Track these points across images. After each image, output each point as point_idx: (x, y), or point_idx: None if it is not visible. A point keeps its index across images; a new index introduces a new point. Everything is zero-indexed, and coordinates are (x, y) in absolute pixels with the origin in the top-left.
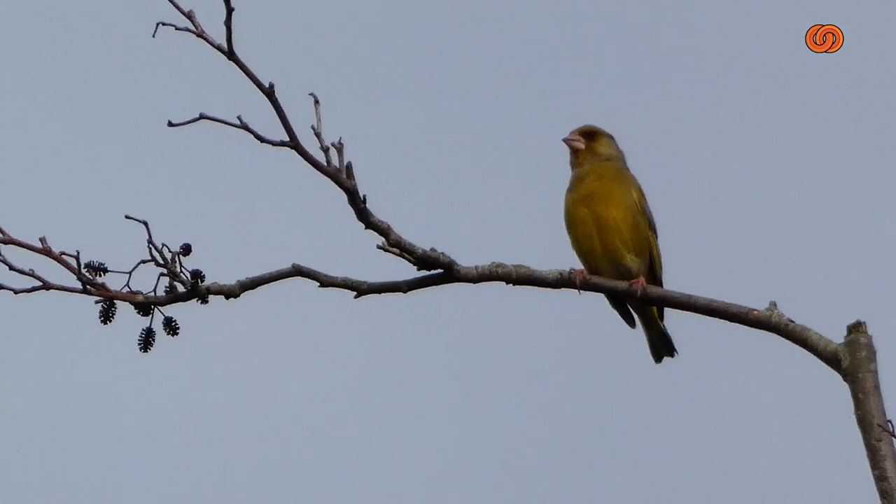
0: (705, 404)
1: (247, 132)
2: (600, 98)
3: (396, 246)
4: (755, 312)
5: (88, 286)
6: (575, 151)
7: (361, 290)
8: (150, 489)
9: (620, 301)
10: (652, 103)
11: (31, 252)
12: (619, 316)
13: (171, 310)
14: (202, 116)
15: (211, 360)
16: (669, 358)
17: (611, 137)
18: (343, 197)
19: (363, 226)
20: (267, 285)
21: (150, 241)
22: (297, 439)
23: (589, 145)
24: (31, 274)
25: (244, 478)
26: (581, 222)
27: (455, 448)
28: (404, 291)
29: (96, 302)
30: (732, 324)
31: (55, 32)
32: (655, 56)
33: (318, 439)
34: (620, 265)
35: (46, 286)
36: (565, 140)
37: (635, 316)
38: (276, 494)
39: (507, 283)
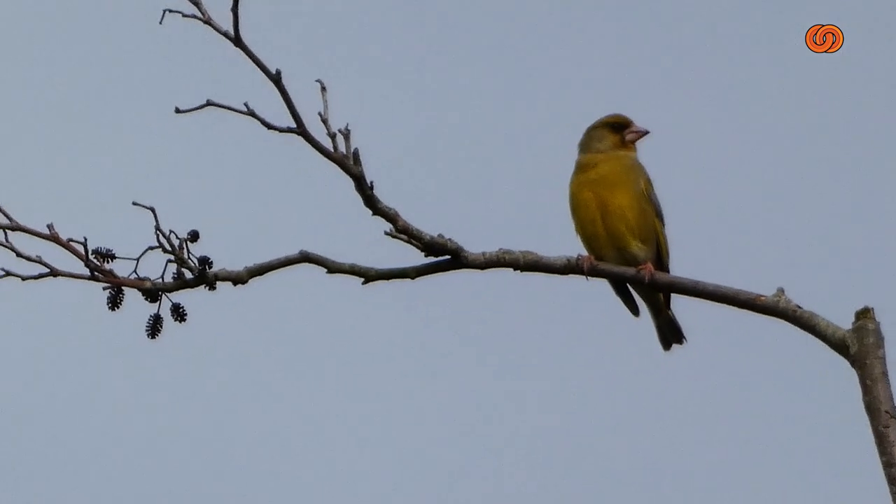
0: (714, 391)
1: (254, 119)
2: (602, 90)
3: (404, 232)
4: (763, 298)
5: (96, 273)
6: (636, 141)
7: (369, 276)
8: (155, 477)
9: (624, 289)
10: (651, 101)
11: (39, 238)
12: (622, 304)
13: (179, 296)
14: (209, 103)
15: (219, 346)
16: (678, 345)
17: None
18: (350, 183)
19: (371, 212)
20: (275, 272)
21: (157, 228)
22: (305, 427)
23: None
24: (39, 261)
25: (250, 467)
26: (585, 206)
27: (460, 437)
28: (412, 278)
29: (104, 288)
30: (740, 310)
31: (64, 19)
32: (655, 55)
33: (324, 427)
34: (626, 252)
35: (54, 273)
36: (644, 130)
37: (640, 304)
38: (282, 483)
39: (515, 270)
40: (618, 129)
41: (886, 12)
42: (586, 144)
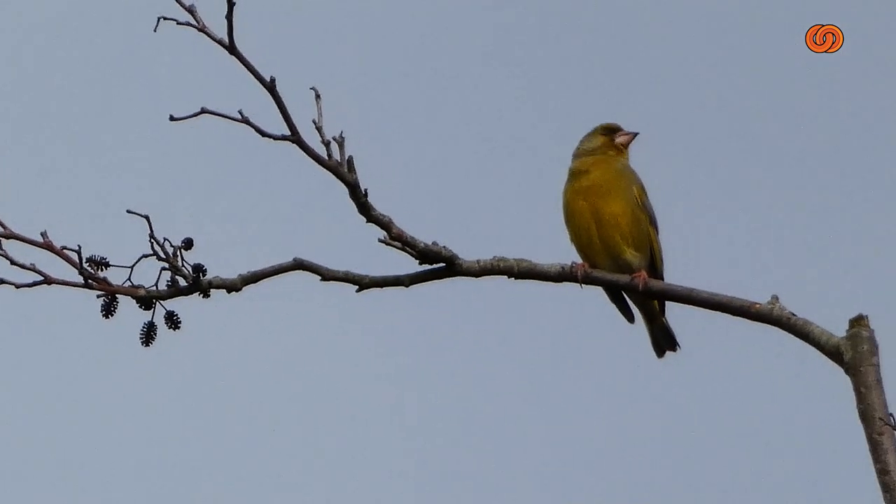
0: (708, 398)
1: (248, 126)
2: (601, 94)
3: (398, 240)
4: (757, 306)
5: (90, 280)
6: (628, 145)
7: (363, 283)
8: (151, 484)
9: (619, 296)
10: (652, 101)
11: (33, 246)
12: (617, 311)
13: (173, 304)
14: (204, 111)
15: (213, 354)
16: (672, 352)
17: None
18: (344, 191)
19: (365, 220)
20: (269, 279)
21: (151, 236)
22: (298, 434)
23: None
24: (33, 268)
25: (244, 472)
26: (579, 215)
27: (455, 443)
28: (406, 285)
29: (98, 296)
30: (735, 318)
31: (57, 27)
32: (656, 55)
33: (318, 434)
34: (620, 259)
35: (48, 281)
36: (633, 133)
37: (635, 311)
38: (276, 489)
39: (509, 277)
40: (609, 133)
41: (886, 12)
42: (578, 149)
